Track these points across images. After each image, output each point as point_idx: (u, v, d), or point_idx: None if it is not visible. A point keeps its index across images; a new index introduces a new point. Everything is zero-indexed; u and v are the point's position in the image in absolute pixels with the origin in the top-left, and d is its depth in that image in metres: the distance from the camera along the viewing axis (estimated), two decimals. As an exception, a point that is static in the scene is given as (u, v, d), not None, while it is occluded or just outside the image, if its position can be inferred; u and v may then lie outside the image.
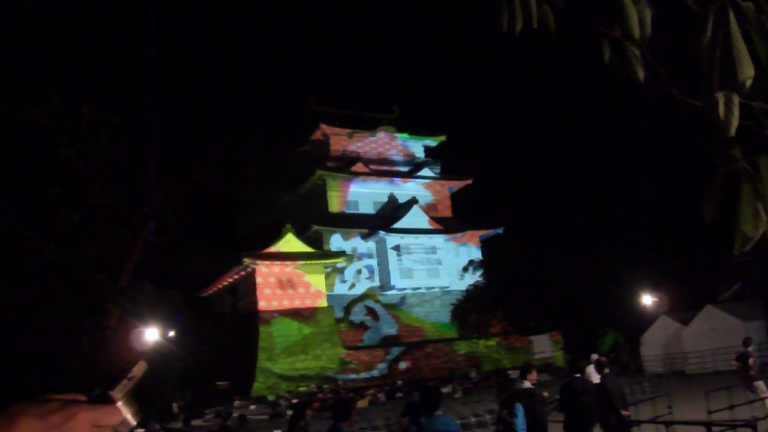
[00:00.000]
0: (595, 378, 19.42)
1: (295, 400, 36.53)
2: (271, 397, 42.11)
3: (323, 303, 51.42)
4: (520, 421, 7.30)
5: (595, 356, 14.05)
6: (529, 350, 50.45)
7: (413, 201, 58.63)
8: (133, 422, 0.84)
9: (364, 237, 56.76)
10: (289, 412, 33.65)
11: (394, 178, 61.16)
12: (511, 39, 1.78)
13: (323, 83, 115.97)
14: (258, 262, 49.16)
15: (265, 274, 49.80)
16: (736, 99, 1.32)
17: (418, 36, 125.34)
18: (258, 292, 49.25)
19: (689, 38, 1.35)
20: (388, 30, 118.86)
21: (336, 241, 55.74)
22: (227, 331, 51.06)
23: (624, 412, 10.07)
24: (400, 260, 56.41)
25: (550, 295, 41.28)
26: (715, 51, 1.30)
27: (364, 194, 59.74)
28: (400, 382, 43.74)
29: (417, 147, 64.98)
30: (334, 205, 58.35)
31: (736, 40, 1.27)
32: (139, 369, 0.85)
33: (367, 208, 59.68)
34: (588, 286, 40.07)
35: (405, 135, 64.00)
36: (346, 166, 59.29)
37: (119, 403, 0.83)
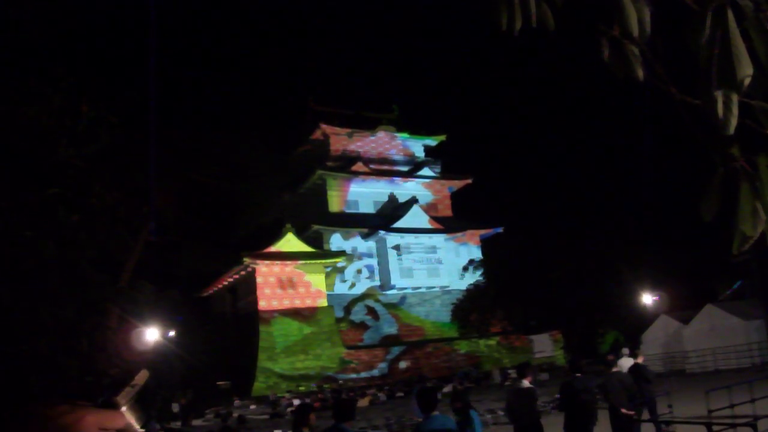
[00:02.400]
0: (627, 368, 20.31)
1: (296, 400, 36.53)
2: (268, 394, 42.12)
3: (323, 303, 51.43)
4: (477, 430, 7.05)
5: (626, 350, 14.57)
6: (530, 349, 50.47)
7: (413, 200, 58.65)
8: (137, 427, 0.87)
9: (365, 236, 56.78)
10: (290, 410, 33.65)
11: (394, 178, 61.17)
12: (510, 38, 1.78)
13: (323, 83, 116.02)
14: (258, 261, 49.17)
15: (266, 273, 49.80)
16: (734, 98, 1.32)
17: (419, 36, 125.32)
18: (258, 292, 49.26)
19: (688, 37, 1.35)
20: (389, 30, 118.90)
21: (336, 241, 55.76)
22: (227, 331, 51.10)
23: (624, 411, 10.06)
24: (401, 260, 56.43)
25: (550, 294, 41.26)
26: (713, 49, 1.29)
27: (364, 194, 59.76)
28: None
29: (417, 146, 65.01)
30: (334, 204, 58.37)
31: (734, 38, 1.27)
32: (141, 377, 0.90)
33: (367, 207, 59.70)
34: (588, 285, 40.06)
35: (405, 134, 64.04)
36: (346, 165, 59.31)
37: (123, 409, 0.86)
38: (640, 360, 15.09)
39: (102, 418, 0.83)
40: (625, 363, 23.11)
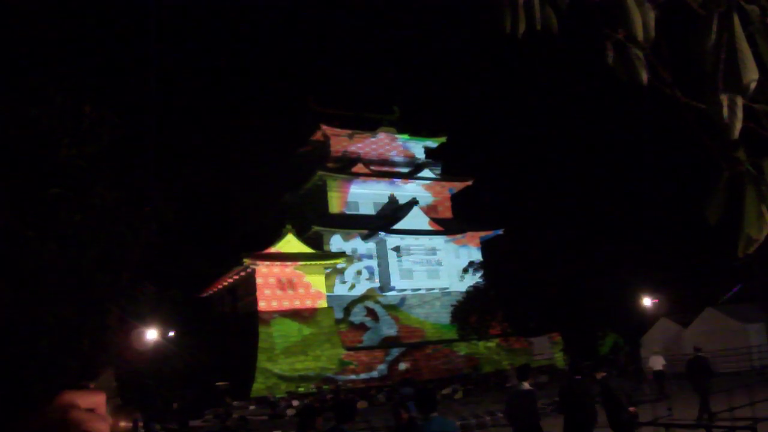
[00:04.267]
0: (658, 366, 20.98)
1: (295, 401, 36.50)
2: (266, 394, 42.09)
3: (323, 304, 51.42)
4: None
5: (656, 347, 15.15)
6: (529, 351, 50.44)
7: (413, 202, 58.65)
8: (104, 408, 0.94)
9: (365, 238, 56.78)
10: (288, 411, 33.63)
11: (395, 179, 61.18)
12: (513, 41, 1.78)
13: (323, 83, 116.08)
14: (258, 262, 49.17)
15: (265, 274, 49.80)
16: (739, 101, 1.32)
17: (420, 37, 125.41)
18: (258, 293, 49.25)
19: (693, 41, 1.35)
20: (389, 30, 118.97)
21: (336, 242, 55.76)
22: (227, 331, 51.09)
23: (632, 409, 10.09)
24: (400, 261, 56.42)
25: (550, 296, 41.28)
26: (719, 54, 1.30)
27: (365, 195, 59.76)
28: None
29: (417, 148, 65.01)
30: (335, 205, 58.37)
31: (740, 42, 1.27)
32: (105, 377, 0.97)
33: (367, 209, 59.69)
34: (588, 287, 40.07)
35: (405, 136, 64.04)
36: (347, 166, 59.32)
37: (92, 386, 0.95)
38: (701, 353, 15.50)
39: (75, 395, 0.91)
40: (655, 360, 23.49)
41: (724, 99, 1.32)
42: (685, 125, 1.53)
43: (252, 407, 38.85)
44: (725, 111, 1.32)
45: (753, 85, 1.28)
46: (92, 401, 0.91)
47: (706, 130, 1.42)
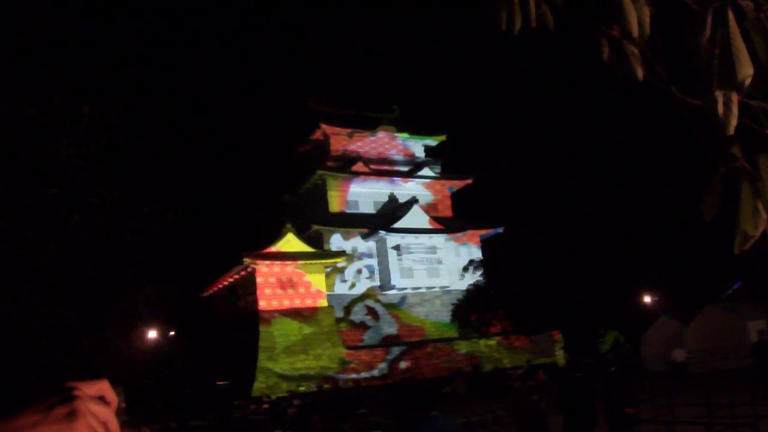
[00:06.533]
0: (680, 358, 21.36)
1: (297, 401, 36.51)
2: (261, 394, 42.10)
3: (323, 303, 51.44)
4: None
5: (678, 342, 15.62)
6: (530, 350, 50.45)
7: (413, 201, 58.65)
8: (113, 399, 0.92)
9: (365, 237, 56.79)
10: (290, 410, 33.60)
11: (395, 178, 61.17)
12: (510, 38, 1.78)
13: (323, 83, 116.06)
14: (258, 261, 49.18)
15: (266, 273, 49.81)
16: (734, 98, 1.32)
17: (419, 35, 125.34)
18: (258, 292, 49.28)
19: (688, 37, 1.35)
20: (389, 30, 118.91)
21: (336, 241, 55.77)
22: (227, 330, 51.17)
23: (629, 409, 10.08)
24: (401, 260, 56.43)
25: (550, 294, 41.28)
26: (714, 50, 1.29)
27: (365, 194, 59.76)
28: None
29: (417, 147, 65.00)
30: (335, 204, 58.38)
31: (735, 38, 1.27)
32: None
33: (367, 207, 59.70)
34: (588, 285, 40.09)
35: (405, 135, 64.02)
36: (347, 165, 59.31)
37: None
38: (766, 337, 15.74)
39: (81, 383, 0.90)
40: (677, 353, 23.85)
41: (719, 95, 1.31)
42: (680, 121, 1.53)
43: (252, 406, 38.86)
44: (720, 107, 1.32)
45: (748, 81, 1.27)
46: (97, 388, 0.90)
47: (702, 126, 1.42)
